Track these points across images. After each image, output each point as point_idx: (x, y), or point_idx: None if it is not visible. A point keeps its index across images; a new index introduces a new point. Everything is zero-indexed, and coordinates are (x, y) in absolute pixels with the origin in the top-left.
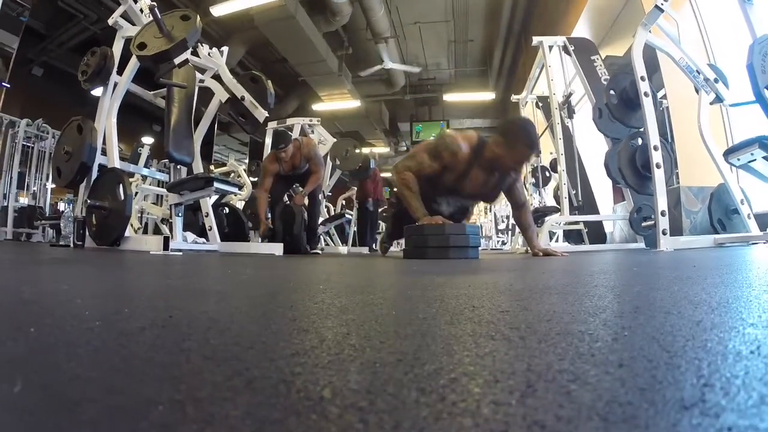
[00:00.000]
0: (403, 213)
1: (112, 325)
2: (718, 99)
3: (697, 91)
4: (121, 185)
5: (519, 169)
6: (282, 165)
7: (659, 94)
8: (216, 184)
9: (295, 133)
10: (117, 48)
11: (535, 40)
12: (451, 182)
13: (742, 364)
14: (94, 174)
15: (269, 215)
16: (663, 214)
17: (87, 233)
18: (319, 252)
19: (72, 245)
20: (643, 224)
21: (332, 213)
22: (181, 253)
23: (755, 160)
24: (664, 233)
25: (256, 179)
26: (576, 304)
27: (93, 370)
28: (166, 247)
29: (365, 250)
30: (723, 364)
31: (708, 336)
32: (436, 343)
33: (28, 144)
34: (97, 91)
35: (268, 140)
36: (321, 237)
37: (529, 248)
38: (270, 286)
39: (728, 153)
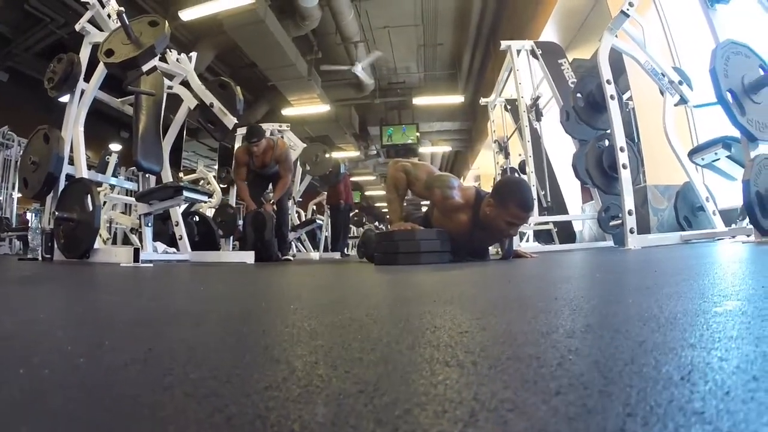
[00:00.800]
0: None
1: (97, 360)
2: (683, 100)
3: (662, 93)
4: (89, 196)
5: (513, 232)
6: (253, 159)
7: (625, 96)
8: (185, 193)
9: None
10: (84, 54)
11: (504, 44)
12: (452, 232)
13: (669, 391)
14: (62, 184)
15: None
16: (630, 213)
17: (55, 246)
18: (291, 258)
19: (40, 258)
20: (611, 223)
21: (303, 218)
22: (152, 265)
23: (719, 159)
24: (631, 231)
25: (226, 186)
26: (532, 322)
27: (89, 412)
28: (136, 258)
29: (337, 255)
30: (652, 391)
31: (646, 359)
32: (396, 370)
33: None
34: (64, 98)
35: (238, 144)
36: (292, 243)
37: (499, 249)
38: (243, 306)
39: (693, 153)
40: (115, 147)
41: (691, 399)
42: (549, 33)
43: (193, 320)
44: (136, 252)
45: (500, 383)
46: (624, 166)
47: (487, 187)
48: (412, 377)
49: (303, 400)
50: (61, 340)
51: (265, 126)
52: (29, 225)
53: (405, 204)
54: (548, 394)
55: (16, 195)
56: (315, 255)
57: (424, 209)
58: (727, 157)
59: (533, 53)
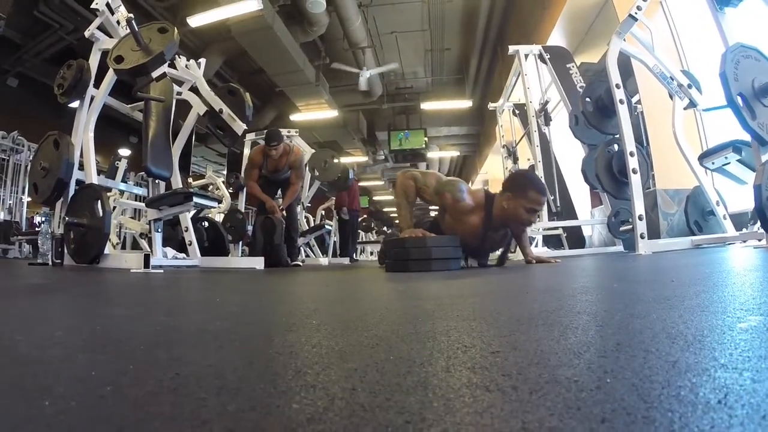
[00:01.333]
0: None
1: (123, 390)
2: (692, 104)
3: (671, 96)
4: (99, 202)
5: (533, 219)
6: (267, 162)
7: (634, 100)
8: (196, 199)
9: None
10: (94, 61)
11: (512, 48)
12: (462, 235)
13: (709, 416)
14: (72, 190)
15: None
16: (641, 218)
17: (65, 251)
18: (300, 264)
19: (50, 263)
20: (621, 228)
21: (312, 224)
22: (162, 271)
23: (729, 163)
24: (642, 237)
25: (234, 191)
26: (561, 340)
27: None
28: (147, 264)
29: (346, 260)
30: (693, 416)
31: (682, 381)
32: (437, 397)
33: (4, 157)
34: (74, 104)
35: (247, 151)
36: (301, 248)
37: (522, 255)
38: (263, 321)
39: (703, 157)
40: (125, 152)
41: (730, 424)
42: (556, 37)
43: (214, 340)
44: (147, 258)
45: (545, 410)
46: (634, 171)
47: (496, 191)
48: (455, 405)
49: None
50: (83, 366)
51: None
52: (40, 230)
53: (414, 209)
54: (594, 421)
55: (26, 199)
56: (324, 260)
57: (432, 214)
58: (738, 161)
59: (541, 57)
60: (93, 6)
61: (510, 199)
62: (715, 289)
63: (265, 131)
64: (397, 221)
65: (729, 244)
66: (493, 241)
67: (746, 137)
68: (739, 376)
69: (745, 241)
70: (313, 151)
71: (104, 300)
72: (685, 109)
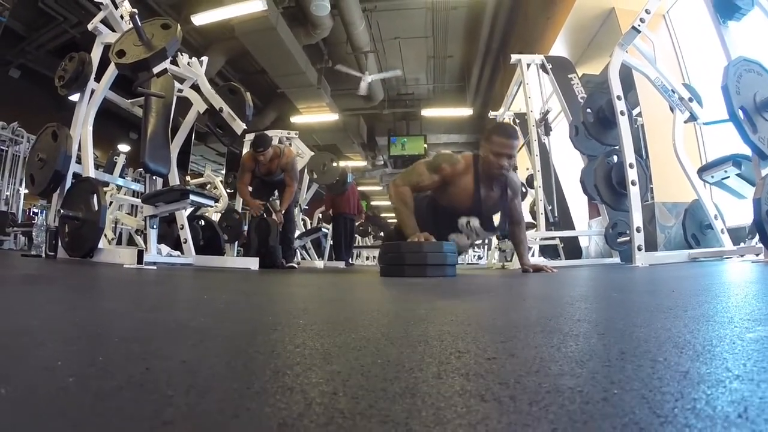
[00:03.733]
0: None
1: (87, 382)
2: (693, 117)
3: (672, 109)
4: (95, 196)
5: (503, 164)
6: (259, 166)
7: (634, 112)
8: (192, 197)
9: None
10: (96, 54)
11: (514, 58)
12: (459, 201)
13: None
14: (68, 183)
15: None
16: (638, 230)
17: (60, 244)
18: (295, 266)
19: (44, 256)
20: (619, 240)
21: (309, 227)
22: (155, 267)
23: (729, 177)
24: (639, 249)
25: (233, 191)
26: (562, 348)
27: None
28: (140, 260)
29: (341, 264)
30: None
31: (696, 393)
32: (426, 405)
33: (2, 148)
34: (74, 97)
35: (246, 150)
36: (297, 251)
37: (519, 263)
38: (248, 319)
39: (702, 170)
40: (124, 148)
41: None
42: (559, 48)
43: (195, 336)
44: (140, 254)
45: (547, 424)
46: (633, 183)
47: None
48: (446, 415)
49: None
50: (51, 356)
51: (273, 133)
52: (35, 221)
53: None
54: None
55: (23, 191)
56: (319, 263)
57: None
58: (737, 175)
59: (543, 67)
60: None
61: (482, 148)
62: (717, 299)
63: (254, 136)
64: (394, 226)
65: (726, 258)
66: (492, 200)
67: (745, 151)
68: (756, 388)
69: (742, 256)
70: (312, 153)
71: (90, 293)
72: (685, 122)
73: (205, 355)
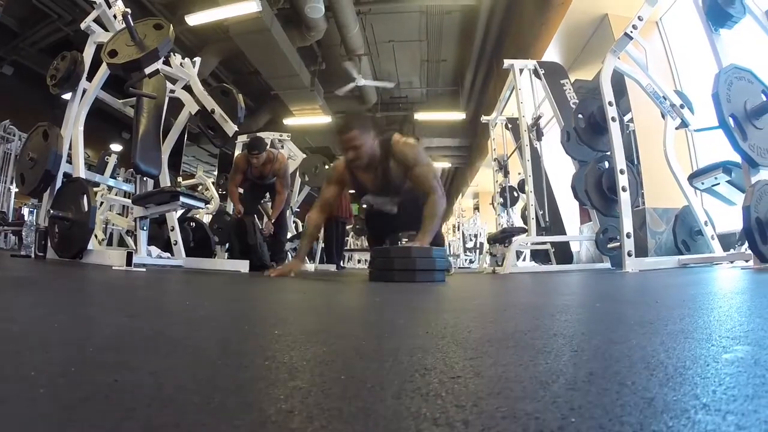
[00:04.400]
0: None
1: (57, 392)
2: (684, 124)
3: (663, 116)
4: (85, 196)
5: (350, 156)
6: (251, 168)
7: (626, 118)
8: (182, 199)
9: None
10: (88, 53)
11: (507, 62)
12: (364, 188)
13: None
14: (59, 183)
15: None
16: (629, 236)
17: (49, 244)
18: None
19: (33, 256)
20: (609, 245)
21: (300, 229)
22: (144, 269)
23: (719, 183)
24: (629, 255)
25: (224, 193)
26: (530, 367)
27: None
28: (129, 263)
29: (332, 267)
30: None
31: (657, 425)
32: (377, 429)
33: None
34: (66, 96)
35: (238, 152)
36: (288, 253)
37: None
38: (224, 328)
39: (693, 177)
40: (116, 147)
41: None
42: (552, 53)
43: (168, 346)
44: (129, 256)
45: None
46: (624, 189)
47: (485, 205)
48: None
49: None
50: (27, 364)
51: (265, 135)
52: (25, 221)
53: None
54: None
55: (14, 189)
56: (310, 266)
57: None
58: (727, 182)
59: (536, 73)
60: None
61: None
62: (700, 312)
63: (249, 138)
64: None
65: (716, 264)
66: (387, 177)
67: (736, 158)
68: (722, 421)
69: (732, 262)
70: (305, 156)
71: (74, 297)
72: (676, 129)
73: (174, 366)
